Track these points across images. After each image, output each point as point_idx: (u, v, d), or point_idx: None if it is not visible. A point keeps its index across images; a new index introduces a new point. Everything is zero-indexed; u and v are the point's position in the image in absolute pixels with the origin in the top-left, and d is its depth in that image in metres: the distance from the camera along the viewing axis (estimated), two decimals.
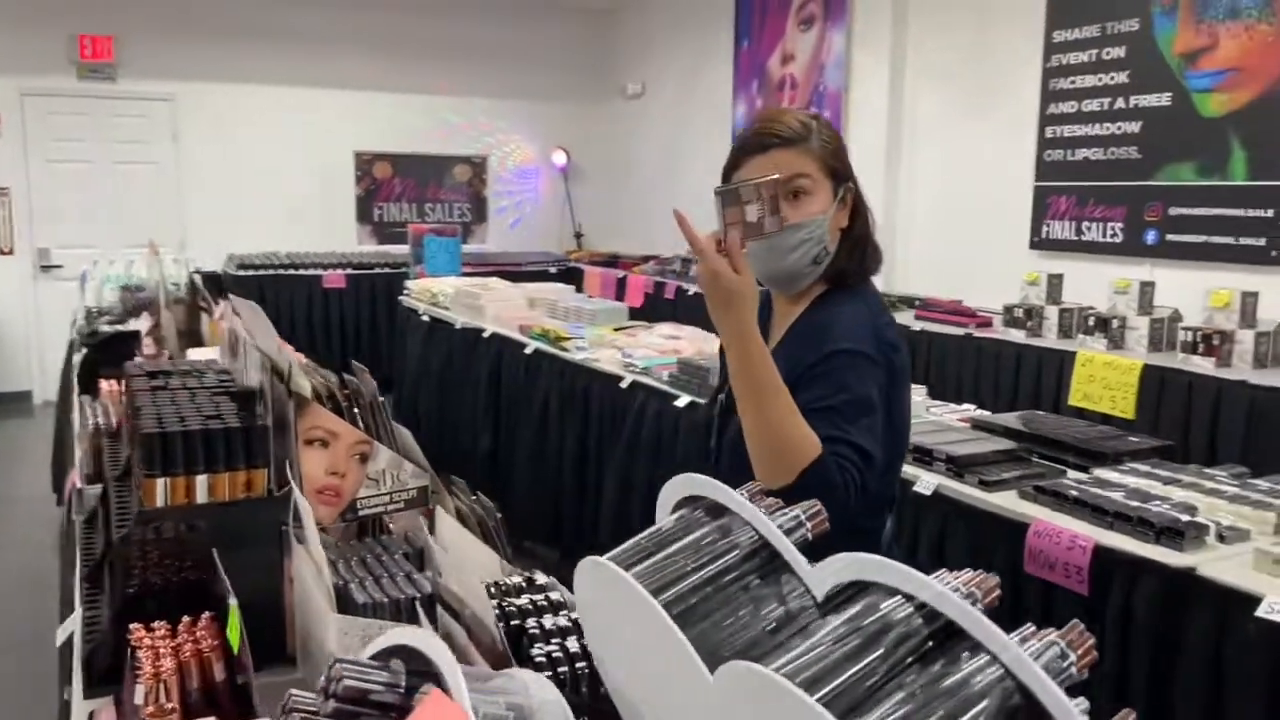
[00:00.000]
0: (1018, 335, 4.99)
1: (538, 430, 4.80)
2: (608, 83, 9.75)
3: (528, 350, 4.93)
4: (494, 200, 9.74)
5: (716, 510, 0.87)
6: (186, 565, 1.59)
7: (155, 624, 1.35)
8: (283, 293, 7.85)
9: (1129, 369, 4.32)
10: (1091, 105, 5.33)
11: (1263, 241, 4.60)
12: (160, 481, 1.58)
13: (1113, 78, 5.23)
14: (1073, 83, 5.43)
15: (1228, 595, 2.16)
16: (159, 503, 1.57)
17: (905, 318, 5.72)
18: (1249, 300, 4.29)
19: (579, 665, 1.19)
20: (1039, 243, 5.65)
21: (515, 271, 8.19)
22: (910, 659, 0.65)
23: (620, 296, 7.84)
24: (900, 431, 1.74)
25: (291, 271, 8.00)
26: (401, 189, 9.26)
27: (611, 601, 0.81)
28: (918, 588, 0.68)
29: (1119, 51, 5.19)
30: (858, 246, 1.73)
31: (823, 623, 0.71)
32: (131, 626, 1.36)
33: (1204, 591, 2.21)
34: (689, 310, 6.94)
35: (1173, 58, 4.93)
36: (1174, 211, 4.97)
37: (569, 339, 4.73)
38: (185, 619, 1.37)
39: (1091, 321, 4.74)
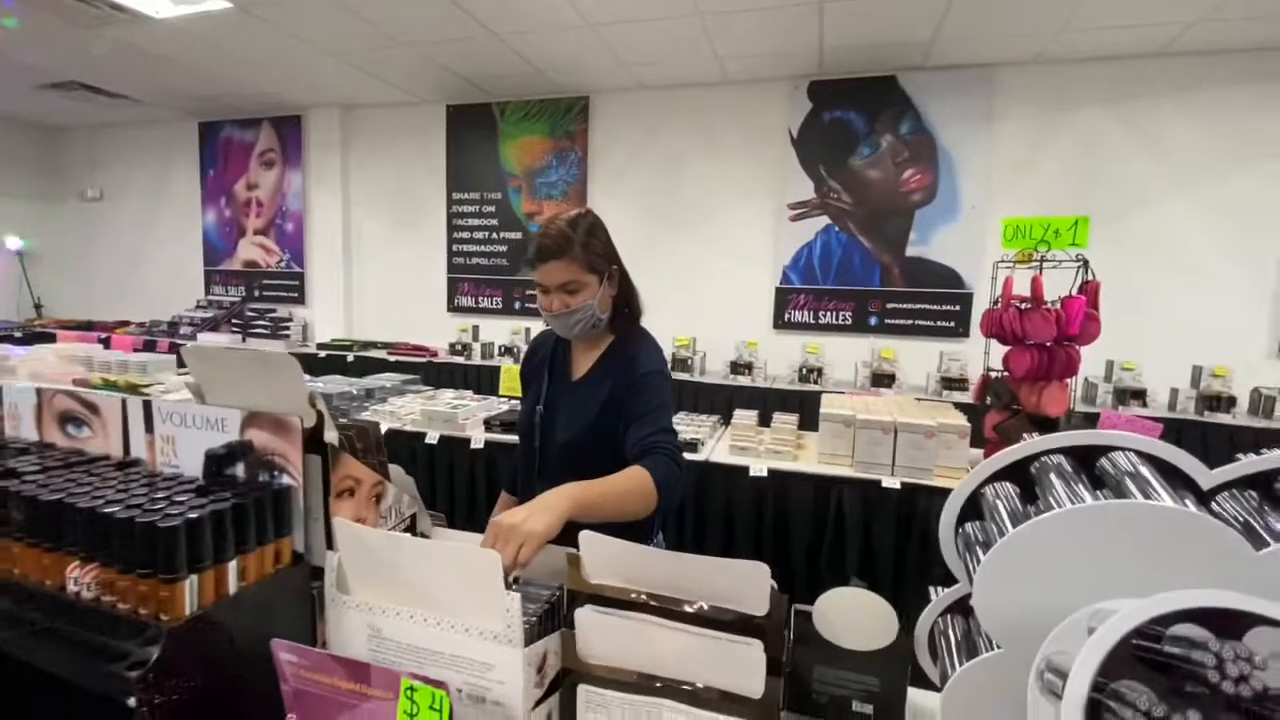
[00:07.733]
0: (460, 360, 9.05)
1: None
2: (64, 186, 11.32)
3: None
4: None
5: None
6: (202, 680, 1.24)
7: None
8: None
9: None
10: (479, 235, 9.69)
11: None
12: (187, 583, 1.25)
13: (490, 222, 9.64)
14: (467, 222, 9.73)
15: (729, 470, 3.78)
16: (187, 610, 1.25)
17: (381, 354, 9.39)
18: None
19: None
20: (455, 308, 9.81)
21: None
22: None
23: None
24: None
25: None
26: None
27: None
28: None
29: (491, 208, 9.64)
30: (628, 306, 2.31)
31: None
32: None
33: (714, 471, 3.74)
34: None
35: (521, 214, 9.52)
36: (529, 294, 9.55)
37: (144, 385, 4.77)
38: None
39: (501, 351, 9.05)
